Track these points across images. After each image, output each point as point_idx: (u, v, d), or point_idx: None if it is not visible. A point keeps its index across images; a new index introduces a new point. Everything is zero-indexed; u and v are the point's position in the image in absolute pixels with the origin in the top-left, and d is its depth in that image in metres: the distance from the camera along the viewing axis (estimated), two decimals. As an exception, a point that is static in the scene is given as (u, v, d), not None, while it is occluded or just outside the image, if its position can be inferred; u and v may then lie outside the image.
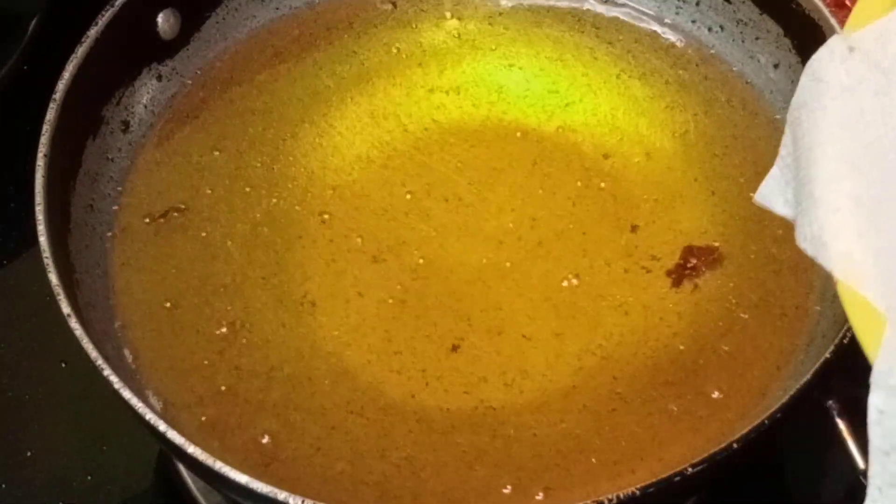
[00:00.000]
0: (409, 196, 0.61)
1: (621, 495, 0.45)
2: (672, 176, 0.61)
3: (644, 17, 0.67)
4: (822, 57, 0.43)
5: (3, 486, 0.62)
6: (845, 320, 0.42)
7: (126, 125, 0.62)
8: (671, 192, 0.60)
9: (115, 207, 0.60)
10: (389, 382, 0.55)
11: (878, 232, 0.40)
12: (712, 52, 0.65)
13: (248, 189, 0.61)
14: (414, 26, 0.68)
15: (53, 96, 0.57)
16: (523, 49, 0.67)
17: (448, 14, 0.68)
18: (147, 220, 0.60)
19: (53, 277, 0.52)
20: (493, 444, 0.53)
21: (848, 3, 0.64)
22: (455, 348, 0.56)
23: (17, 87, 0.73)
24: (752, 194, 0.48)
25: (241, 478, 0.47)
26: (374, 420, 0.54)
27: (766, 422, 0.47)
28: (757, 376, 0.54)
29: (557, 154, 0.62)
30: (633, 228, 0.59)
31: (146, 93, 0.63)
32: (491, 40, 0.67)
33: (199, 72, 0.65)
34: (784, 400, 0.48)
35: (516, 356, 0.55)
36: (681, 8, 0.66)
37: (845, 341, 0.48)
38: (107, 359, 0.50)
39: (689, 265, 0.58)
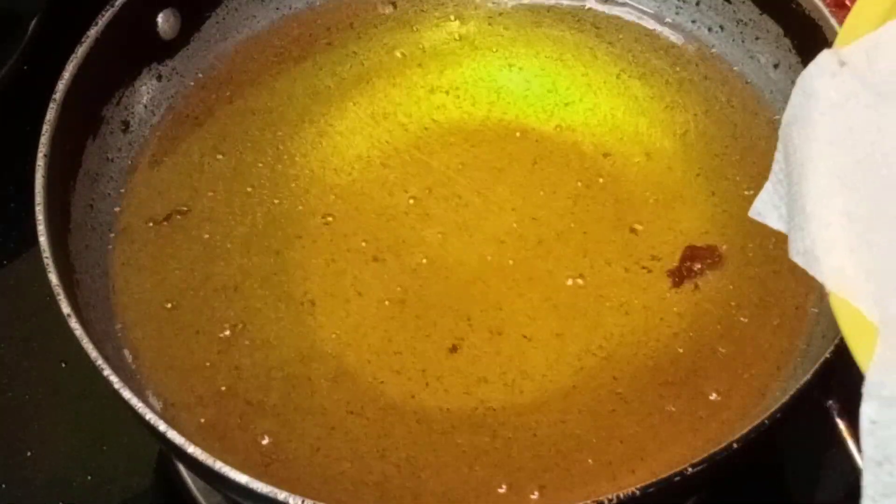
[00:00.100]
0: (408, 196, 0.61)
1: (621, 495, 0.45)
2: (672, 176, 0.61)
3: (644, 17, 0.67)
4: (813, 72, 0.44)
5: (3, 486, 0.62)
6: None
7: (126, 125, 0.62)
8: (671, 192, 0.60)
9: (117, 208, 0.60)
10: (389, 382, 0.55)
11: (869, 246, 0.40)
12: (712, 52, 0.65)
13: (248, 189, 0.61)
14: (414, 27, 0.68)
15: (53, 96, 0.57)
16: (523, 49, 0.67)
17: (448, 14, 0.68)
18: (151, 224, 0.60)
19: (53, 277, 0.52)
20: (492, 445, 0.53)
21: (848, 2, 0.64)
22: (455, 348, 0.56)
23: (17, 87, 0.73)
24: (751, 193, 0.48)
25: (241, 478, 0.47)
26: (374, 420, 0.54)
27: (766, 422, 0.47)
28: (757, 376, 0.54)
29: (557, 154, 0.62)
30: (634, 228, 0.59)
31: (146, 93, 0.63)
32: (491, 40, 0.67)
33: (199, 72, 0.65)
34: (784, 400, 0.48)
35: (516, 356, 0.56)
36: (681, 8, 0.66)
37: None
38: (107, 359, 0.50)
39: (689, 265, 0.58)
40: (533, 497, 0.51)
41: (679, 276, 0.58)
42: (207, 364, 0.56)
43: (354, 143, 0.63)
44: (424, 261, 0.59)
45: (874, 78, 0.43)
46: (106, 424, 0.63)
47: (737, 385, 0.54)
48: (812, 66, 0.44)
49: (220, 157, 0.63)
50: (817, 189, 0.41)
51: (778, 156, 0.44)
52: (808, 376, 0.48)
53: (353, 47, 0.67)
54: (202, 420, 0.54)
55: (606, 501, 0.45)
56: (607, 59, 0.66)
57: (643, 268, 0.58)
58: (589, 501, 0.45)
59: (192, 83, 0.65)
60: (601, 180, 0.61)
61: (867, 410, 0.37)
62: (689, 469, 0.46)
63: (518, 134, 0.63)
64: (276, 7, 0.67)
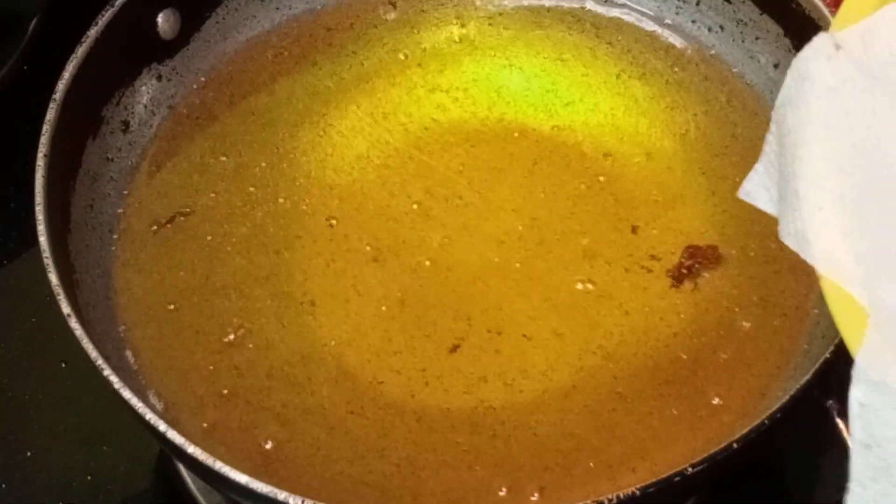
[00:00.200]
0: (409, 196, 0.61)
1: (621, 495, 0.45)
2: (672, 176, 0.61)
3: (644, 18, 0.67)
4: (808, 55, 0.43)
5: (3, 486, 0.62)
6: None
7: (126, 125, 0.62)
8: (671, 192, 0.60)
9: (118, 209, 0.60)
10: (389, 382, 0.55)
11: (861, 230, 0.40)
12: (712, 52, 0.65)
13: (248, 190, 0.61)
14: (414, 27, 0.68)
15: (53, 96, 0.57)
16: (523, 49, 0.67)
17: (448, 15, 0.68)
18: (154, 228, 0.60)
19: (53, 277, 0.52)
20: (492, 444, 0.53)
21: (848, 2, 0.64)
22: (455, 348, 0.56)
23: (17, 87, 0.73)
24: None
25: (241, 478, 0.47)
26: (374, 420, 0.54)
27: (766, 422, 0.47)
28: (757, 376, 0.54)
29: (557, 154, 0.62)
30: (634, 228, 0.59)
31: (146, 93, 0.63)
32: (491, 40, 0.67)
33: (199, 72, 0.65)
34: (784, 400, 0.48)
35: (516, 356, 0.56)
36: (681, 8, 0.66)
37: (845, 341, 0.48)
38: (107, 359, 0.50)
39: (689, 265, 0.58)
40: (533, 499, 0.51)
41: (679, 275, 0.58)
42: (208, 364, 0.56)
43: (355, 144, 0.63)
44: (424, 261, 0.59)
45: (870, 62, 0.43)
46: (106, 424, 0.63)
47: (737, 385, 0.54)
48: (807, 49, 0.44)
49: (220, 157, 0.63)
50: (810, 172, 0.41)
51: (770, 138, 0.44)
52: (808, 376, 0.48)
53: (353, 48, 0.67)
54: (203, 420, 0.54)
55: (606, 501, 0.45)
56: (607, 59, 0.66)
57: (643, 267, 0.58)
58: (589, 501, 0.45)
59: (192, 83, 0.65)
60: (601, 180, 0.61)
61: (856, 394, 0.37)
62: (689, 469, 0.46)
63: (518, 134, 0.63)
64: (276, 7, 0.67)
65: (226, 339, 0.56)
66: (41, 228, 0.53)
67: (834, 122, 0.42)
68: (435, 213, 0.60)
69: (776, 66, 0.62)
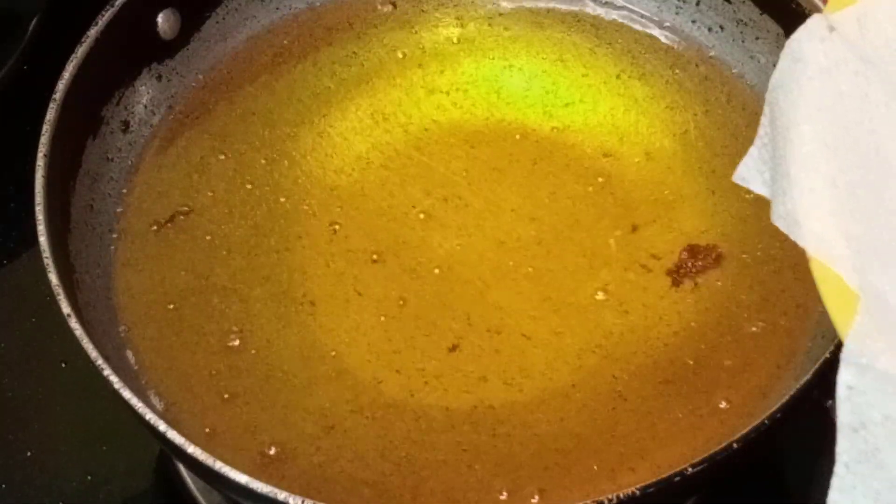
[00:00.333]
0: (408, 197, 0.61)
1: (621, 495, 0.45)
2: (672, 176, 0.61)
3: (644, 18, 0.67)
4: (802, 37, 0.43)
5: (3, 486, 0.62)
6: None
7: (126, 125, 0.62)
8: (671, 191, 0.60)
9: (118, 209, 0.60)
10: (389, 381, 0.55)
11: (852, 213, 0.40)
12: (712, 52, 0.65)
13: (248, 190, 0.61)
14: (414, 27, 0.68)
15: (53, 96, 0.57)
16: (523, 50, 0.67)
17: (448, 15, 0.68)
18: (154, 228, 0.60)
19: (53, 277, 0.52)
20: (492, 443, 0.53)
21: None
22: (455, 347, 0.56)
23: (17, 87, 0.73)
24: (751, 194, 0.48)
25: (241, 478, 0.46)
26: (374, 419, 0.54)
27: (766, 422, 0.47)
28: (757, 376, 0.54)
29: (557, 154, 0.62)
30: (634, 228, 0.59)
31: (146, 93, 0.63)
32: (491, 41, 0.67)
33: (199, 72, 0.65)
34: (784, 400, 0.48)
35: (516, 355, 0.56)
36: (680, 8, 0.66)
37: (846, 341, 0.48)
38: (107, 359, 0.50)
39: (689, 264, 0.58)
40: (534, 500, 0.51)
41: (679, 275, 0.58)
42: (208, 364, 0.56)
43: (354, 144, 0.63)
44: (424, 261, 0.59)
45: (864, 44, 0.43)
46: (106, 424, 0.63)
47: (737, 385, 0.54)
48: (801, 30, 0.43)
49: (220, 157, 0.63)
50: (802, 153, 0.41)
51: (763, 120, 0.44)
52: (808, 376, 0.48)
53: (353, 48, 0.67)
54: (203, 420, 0.54)
55: (606, 501, 0.45)
56: (607, 59, 0.66)
57: (643, 267, 0.58)
58: (589, 501, 0.45)
59: (192, 83, 0.65)
60: (601, 180, 0.61)
61: (844, 376, 0.37)
62: (689, 469, 0.46)
63: (518, 134, 0.63)
64: (276, 7, 0.67)
65: (226, 340, 0.56)
66: (41, 228, 0.53)
67: (827, 105, 0.41)
68: (435, 214, 0.60)
69: (776, 66, 0.62)
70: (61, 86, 0.57)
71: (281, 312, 0.57)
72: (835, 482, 0.37)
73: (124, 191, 0.61)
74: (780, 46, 0.62)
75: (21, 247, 0.70)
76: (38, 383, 0.65)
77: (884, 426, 0.36)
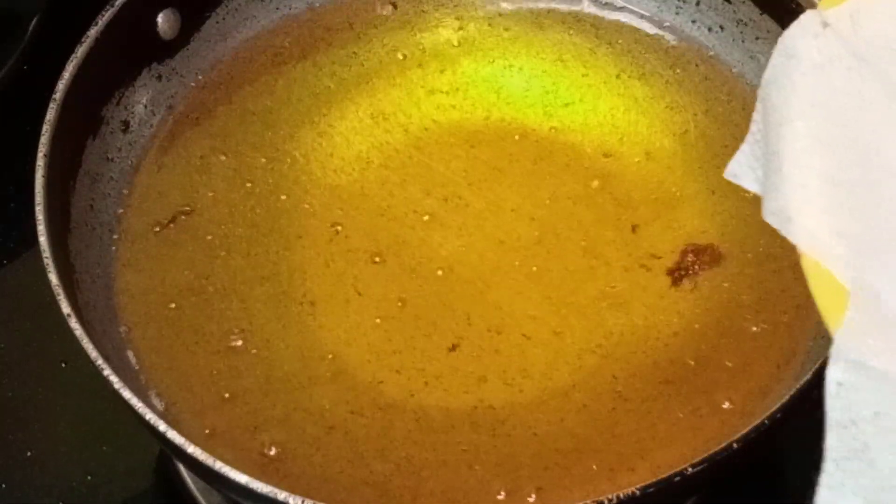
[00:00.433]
0: (408, 196, 0.61)
1: (621, 495, 0.45)
2: (672, 176, 0.61)
3: (644, 18, 0.67)
4: (795, 33, 0.43)
5: (3, 486, 0.62)
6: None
7: (126, 125, 0.62)
8: (671, 191, 0.60)
9: (118, 209, 0.60)
10: (389, 382, 0.55)
11: (844, 209, 0.40)
12: (712, 52, 0.65)
13: (248, 190, 0.61)
14: (414, 27, 0.68)
15: (53, 96, 0.57)
16: (523, 50, 0.67)
17: (448, 15, 0.68)
18: (155, 228, 0.60)
19: (53, 277, 0.52)
20: (492, 443, 0.53)
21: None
22: (454, 347, 0.56)
23: (17, 87, 0.73)
24: (751, 193, 0.48)
25: (241, 478, 0.46)
26: (374, 419, 0.54)
27: (766, 422, 0.47)
28: (757, 376, 0.54)
29: (557, 154, 0.62)
30: (634, 228, 0.59)
31: (146, 93, 0.63)
32: (491, 41, 0.67)
33: (199, 72, 0.65)
34: (784, 400, 0.48)
35: (516, 355, 0.56)
36: (680, 8, 0.66)
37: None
38: (107, 359, 0.50)
39: (689, 264, 0.58)
40: (531, 499, 0.51)
41: (679, 275, 0.58)
42: (209, 365, 0.56)
43: (354, 144, 0.63)
44: (424, 261, 0.59)
45: (858, 41, 0.42)
46: (106, 424, 0.63)
47: (738, 384, 0.54)
48: (795, 26, 0.43)
49: (220, 157, 0.63)
50: (794, 149, 0.41)
51: (756, 116, 0.44)
52: (809, 376, 0.48)
53: (353, 48, 0.67)
54: (203, 420, 0.54)
55: (606, 501, 0.45)
56: (607, 59, 0.66)
57: (643, 266, 0.58)
58: (589, 501, 0.45)
59: (192, 83, 0.65)
60: (601, 180, 0.61)
61: (834, 373, 0.37)
62: (689, 469, 0.46)
63: (518, 134, 0.63)
64: (276, 7, 0.67)
65: (226, 340, 0.56)
66: (41, 228, 0.53)
67: (820, 101, 0.41)
68: (435, 214, 0.60)
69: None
70: (61, 86, 0.57)
71: (281, 312, 0.57)
72: (824, 479, 0.36)
73: (124, 191, 0.61)
74: (780, 46, 0.62)
75: (21, 247, 0.70)
76: (38, 383, 0.65)
77: (874, 423, 0.36)
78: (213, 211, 0.61)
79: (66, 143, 0.57)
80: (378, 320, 0.57)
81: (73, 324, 0.50)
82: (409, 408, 0.54)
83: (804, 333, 0.55)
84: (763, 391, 0.54)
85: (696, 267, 0.58)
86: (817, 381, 0.48)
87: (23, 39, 0.73)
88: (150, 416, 0.48)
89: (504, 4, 0.68)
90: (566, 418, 0.54)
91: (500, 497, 0.52)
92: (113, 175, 0.61)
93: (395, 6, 0.68)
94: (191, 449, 0.47)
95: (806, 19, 0.43)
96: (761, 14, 0.63)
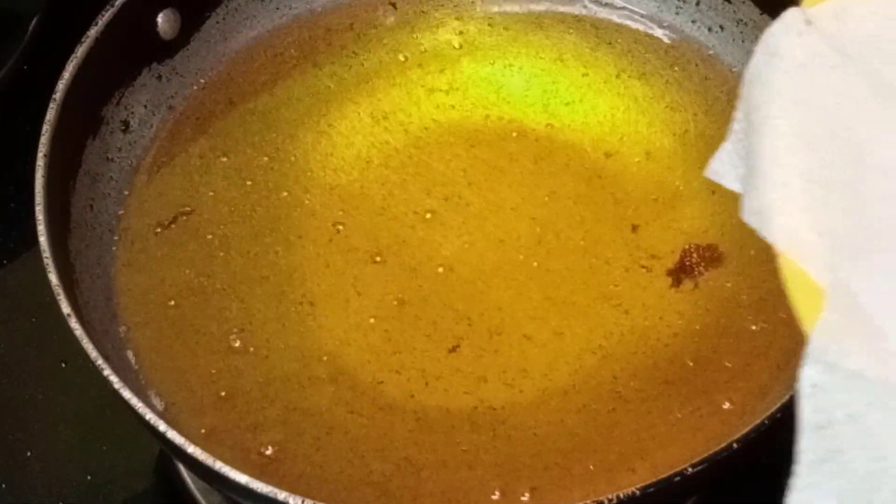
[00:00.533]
0: (408, 196, 0.61)
1: (621, 495, 0.45)
2: (672, 175, 0.61)
3: (644, 18, 0.67)
4: (778, 30, 0.43)
5: (3, 486, 0.62)
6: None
7: (126, 125, 0.62)
8: (671, 191, 0.60)
9: (118, 210, 0.60)
10: (389, 382, 0.55)
11: (824, 209, 0.39)
12: (712, 52, 0.65)
13: (248, 190, 0.61)
14: (414, 27, 0.68)
15: (53, 96, 0.57)
16: (523, 49, 0.67)
17: (448, 15, 0.68)
18: (155, 228, 0.60)
19: (53, 277, 0.52)
20: (492, 444, 0.53)
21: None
22: (455, 348, 0.56)
23: (17, 87, 0.73)
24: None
25: (241, 478, 0.46)
26: (374, 420, 0.54)
27: (766, 422, 0.47)
28: (757, 375, 0.54)
29: (557, 154, 0.62)
30: (634, 228, 0.59)
31: (146, 93, 0.63)
32: (491, 41, 0.67)
33: (199, 72, 0.65)
34: (784, 400, 0.48)
35: (516, 356, 0.56)
36: (680, 8, 0.66)
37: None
38: (107, 359, 0.50)
39: (689, 264, 0.58)
40: (525, 498, 0.51)
41: (679, 275, 0.58)
42: (208, 365, 0.56)
43: (354, 144, 0.63)
44: (424, 261, 0.59)
45: (841, 39, 0.42)
46: (106, 424, 0.63)
47: (738, 384, 0.54)
48: (778, 23, 0.43)
49: (220, 157, 0.63)
50: (775, 148, 0.40)
51: (738, 114, 0.44)
52: (809, 376, 0.48)
53: (352, 48, 0.67)
54: (203, 420, 0.54)
55: (606, 501, 0.45)
56: (607, 59, 0.66)
57: (643, 267, 0.58)
58: (588, 501, 0.45)
59: (192, 83, 0.65)
60: (601, 180, 0.61)
61: (810, 374, 0.37)
62: (689, 469, 0.46)
63: (518, 134, 0.63)
64: (276, 7, 0.67)
65: (226, 340, 0.56)
66: (41, 228, 0.53)
67: (803, 99, 0.41)
68: (435, 214, 0.60)
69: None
70: (61, 86, 0.57)
71: (281, 312, 0.57)
72: (796, 482, 0.36)
73: (125, 191, 0.61)
74: (780, 46, 0.62)
75: (21, 247, 0.70)
76: (38, 383, 0.65)
77: (849, 426, 0.36)
78: (213, 211, 0.61)
79: (66, 143, 0.57)
80: (378, 320, 0.57)
81: (73, 324, 0.50)
82: (409, 408, 0.54)
83: (804, 333, 0.55)
84: (763, 391, 0.54)
85: (697, 267, 0.58)
86: (817, 381, 0.48)
87: (23, 39, 0.73)
88: (150, 415, 0.48)
89: (504, 4, 0.68)
90: (566, 418, 0.54)
91: (502, 497, 0.52)
92: (113, 175, 0.61)
93: (394, 6, 0.68)
94: (191, 449, 0.47)
95: (789, 17, 0.43)
96: (761, 14, 0.63)
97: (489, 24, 0.67)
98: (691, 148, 0.62)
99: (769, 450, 0.60)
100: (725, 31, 0.65)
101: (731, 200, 0.59)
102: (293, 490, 0.46)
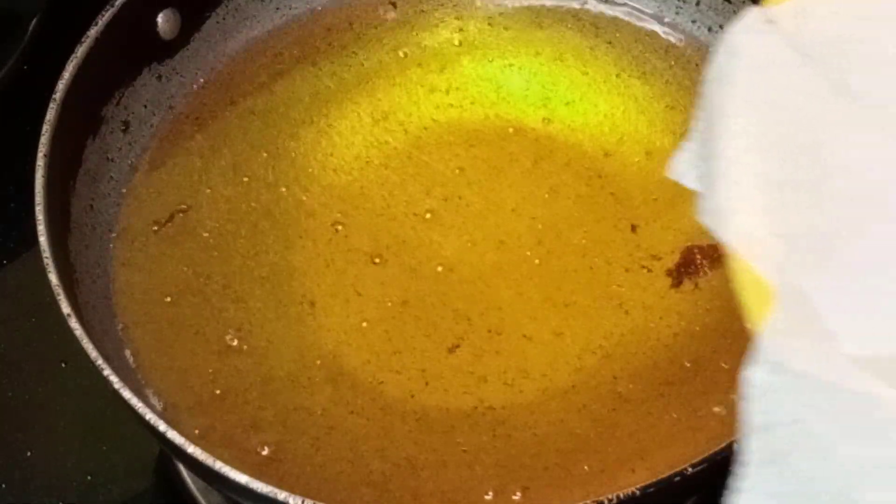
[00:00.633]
0: (408, 196, 0.61)
1: (621, 495, 0.45)
2: (672, 175, 0.61)
3: (644, 17, 0.67)
4: (739, 29, 0.43)
5: (3, 486, 0.62)
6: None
7: (126, 125, 0.62)
8: (671, 191, 0.60)
9: (117, 209, 0.60)
10: (389, 382, 0.55)
11: (781, 208, 0.39)
12: (712, 51, 0.65)
13: (248, 190, 0.61)
14: (414, 27, 0.68)
15: (53, 96, 0.57)
16: (523, 49, 0.67)
17: (448, 15, 0.68)
18: (155, 228, 0.60)
19: (53, 277, 0.52)
20: (492, 444, 0.53)
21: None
22: (455, 348, 0.56)
23: (17, 87, 0.73)
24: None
25: (241, 478, 0.47)
26: (374, 420, 0.54)
27: (766, 421, 0.47)
28: (757, 376, 0.54)
29: (557, 153, 0.62)
30: (634, 228, 0.59)
31: (146, 93, 0.63)
32: (491, 40, 0.67)
33: (199, 72, 0.65)
34: (784, 400, 0.48)
35: (516, 356, 0.56)
36: (681, 8, 0.66)
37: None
38: (107, 359, 0.50)
39: (689, 264, 0.58)
40: (516, 498, 0.51)
41: (679, 275, 0.58)
42: (208, 364, 0.56)
43: (354, 144, 0.63)
44: (424, 261, 0.59)
45: (802, 39, 0.42)
46: (106, 424, 0.63)
47: (738, 384, 0.54)
48: (738, 23, 0.43)
49: (220, 157, 0.63)
50: (732, 148, 0.40)
51: (699, 113, 0.44)
52: (808, 376, 0.48)
53: (352, 48, 0.67)
54: (202, 420, 0.54)
55: (606, 501, 0.45)
56: (607, 58, 0.66)
57: (643, 267, 0.58)
58: (589, 501, 0.45)
59: (192, 83, 0.65)
60: (601, 180, 0.61)
61: (757, 375, 0.37)
62: (689, 469, 0.46)
63: (518, 134, 0.63)
64: (276, 7, 0.67)
65: (225, 339, 0.56)
66: (41, 228, 0.53)
67: (762, 99, 0.41)
68: (435, 214, 0.60)
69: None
70: (61, 86, 0.57)
71: (280, 312, 0.57)
72: (740, 483, 0.36)
73: (124, 191, 0.61)
74: (780, 46, 0.62)
75: (21, 247, 0.70)
76: (38, 383, 0.65)
77: (793, 428, 0.36)
78: (212, 210, 0.61)
79: (66, 143, 0.57)
80: (378, 320, 0.57)
81: (73, 324, 0.50)
82: (409, 408, 0.54)
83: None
84: (763, 391, 0.54)
85: (697, 267, 0.58)
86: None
87: (23, 39, 0.73)
88: (150, 416, 0.48)
89: (504, 3, 0.68)
90: (566, 418, 0.54)
91: (497, 495, 0.52)
92: (113, 175, 0.61)
93: (394, 6, 0.68)
94: (191, 449, 0.47)
95: (750, 17, 0.43)
96: (761, 14, 0.63)
97: (489, 24, 0.67)
98: (691, 148, 0.62)
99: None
100: (725, 31, 0.65)
101: (731, 200, 0.60)
102: (293, 490, 0.46)
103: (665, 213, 0.60)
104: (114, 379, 0.49)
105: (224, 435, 0.53)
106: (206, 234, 0.60)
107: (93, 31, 0.59)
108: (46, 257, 0.52)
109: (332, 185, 0.62)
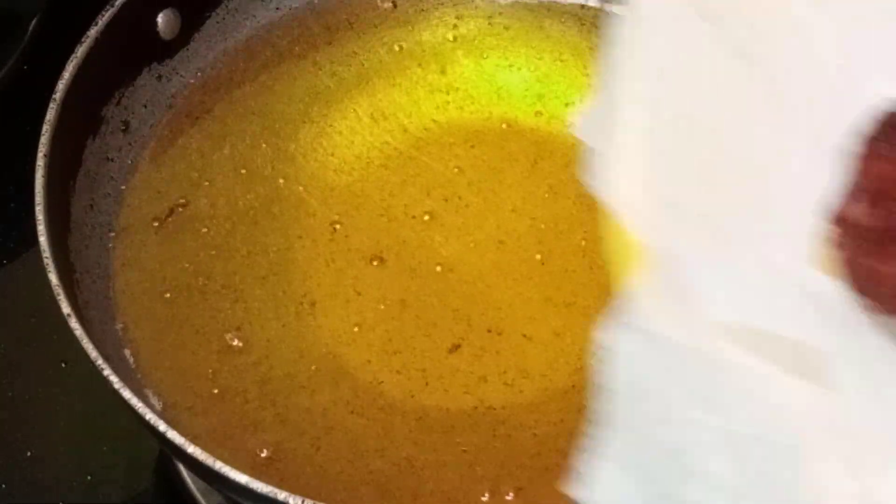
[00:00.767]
0: (408, 196, 0.61)
1: (621, 495, 0.45)
2: (672, 175, 0.61)
3: (644, 17, 0.67)
4: None
5: (3, 486, 0.62)
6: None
7: (126, 125, 0.62)
8: (671, 191, 0.60)
9: (117, 208, 0.60)
10: (389, 382, 0.55)
11: (663, 176, 0.39)
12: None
13: (247, 189, 0.61)
14: (414, 26, 0.68)
15: (53, 96, 0.57)
16: (523, 48, 0.67)
17: (448, 14, 0.68)
18: (154, 227, 0.60)
19: (53, 277, 0.52)
20: (492, 444, 0.53)
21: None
22: (455, 348, 0.56)
23: (17, 87, 0.73)
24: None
25: (241, 478, 0.47)
26: (374, 420, 0.54)
27: (766, 421, 0.47)
28: (757, 376, 0.54)
29: (557, 153, 0.62)
30: (633, 228, 0.59)
31: (146, 93, 0.63)
32: (491, 40, 0.67)
33: (199, 72, 0.65)
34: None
35: (516, 356, 0.56)
36: (681, 8, 0.66)
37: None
38: (107, 358, 0.50)
39: (688, 265, 0.58)
40: (508, 498, 0.51)
41: (679, 275, 0.57)
42: (208, 364, 0.56)
43: (354, 144, 0.63)
44: (424, 260, 0.59)
45: (706, 4, 0.42)
46: (106, 424, 0.63)
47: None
48: None
49: (220, 156, 0.63)
50: (624, 114, 0.40)
51: (602, 76, 0.43)
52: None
53: (352, 47, 0.67)
54: (202, 420, 0.54)
55: (606, 501, 0.45)
56: (607, 58, 0.66)
57: (643, 267, 0.58)
58: (588, 501, 0.45)
59: (192, 83, 0.65)
60: (601, 180, 0.61)
61: (611, 337, 0.37)
62: (689, 469, 0.46)
63: (518, 134, 0.63)
64: (275, 7, 0.67)
65: (225, 339, 0.56)
66: (41, 228, 0.53)
67: (661, 63, 0.41)
68: (435, 214, 0.60)
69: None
70: (61, 86, 0.57)
71: (281, 312, 0.57)
72: (587, 443, 0.36)
73: (124, 189, 0.61)
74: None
75: (21, 247, 0.70)
76: (38, 383, 0.65)
77: (636, 390, 0.36)
78: (212, 209, 0.61)
79: (66, 143, 0.57)
80: (378, 320, 0.57)
81: (73, 324, 0.50)
82: (410, 408, 0.54)
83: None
84: (763, 391, 0.54)
85: (696, 267, 0.57)
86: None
87: (23, 39, 0.73)
88: (150, 416, 0.48)
89: (504, 2, 0.68)
90: (566, 418, 0.54)
91: (498, 494, 0.52)
92: (113, 175, 0.61)
93: (394, 5, 0.68)
94: (191, 449, 0.47)
95: None
96: (761, 13, 0.63)
97: (489, 23, 0.67)
98: (691, 148, 0.62)
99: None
100: None
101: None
102: (293, 490, 0.46)
103: (665, 213, 0.60)
104: (114, 379, 0.49)
105: (224, 434, 0.53)
106: (205, 230, 0.60)
107: (93, 31, 0.59)
108: (46, 257, 0.52)
109: (333, 184, 0.62)
